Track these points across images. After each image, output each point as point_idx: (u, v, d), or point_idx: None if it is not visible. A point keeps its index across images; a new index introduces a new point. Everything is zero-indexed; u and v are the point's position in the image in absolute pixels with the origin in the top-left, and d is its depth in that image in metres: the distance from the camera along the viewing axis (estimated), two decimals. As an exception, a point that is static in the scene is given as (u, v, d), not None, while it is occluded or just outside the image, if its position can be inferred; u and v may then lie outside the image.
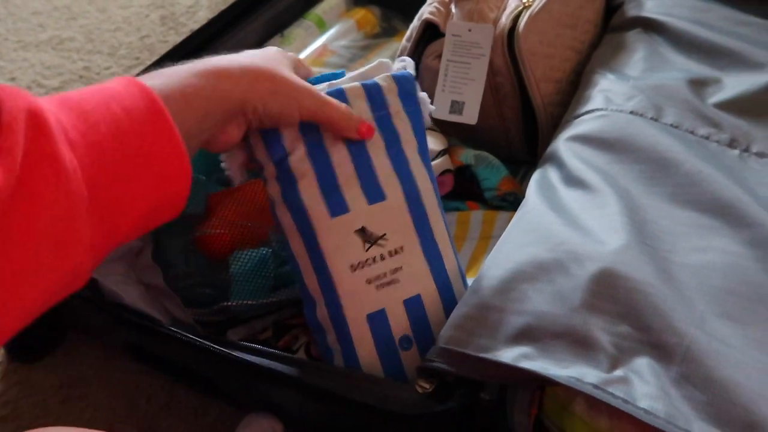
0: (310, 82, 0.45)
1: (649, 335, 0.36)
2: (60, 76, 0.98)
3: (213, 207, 0.49)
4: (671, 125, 0.51)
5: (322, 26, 0.85)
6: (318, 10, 0.86)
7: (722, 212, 0.42)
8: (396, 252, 0.43)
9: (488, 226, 0.58)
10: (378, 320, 0.42)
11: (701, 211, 0.43)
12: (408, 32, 0.66)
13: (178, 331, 0.45)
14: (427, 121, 0.48)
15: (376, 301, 0.42)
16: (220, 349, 0.43)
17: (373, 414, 0.41)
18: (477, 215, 0.59)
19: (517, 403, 0.38)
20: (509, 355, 0.38)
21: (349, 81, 0.45)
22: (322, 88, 0.44)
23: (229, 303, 0.46)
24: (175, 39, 1.02)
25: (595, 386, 0.34)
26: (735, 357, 0.35)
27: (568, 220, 0.44)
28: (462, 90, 0.62)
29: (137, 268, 0.49)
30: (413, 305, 0.43)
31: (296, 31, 0.83)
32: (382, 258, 0.42)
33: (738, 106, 0.52)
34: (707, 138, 0.50)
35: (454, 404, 0.39)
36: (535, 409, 0.38)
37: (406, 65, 0.48)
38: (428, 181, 0.46)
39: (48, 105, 0.30)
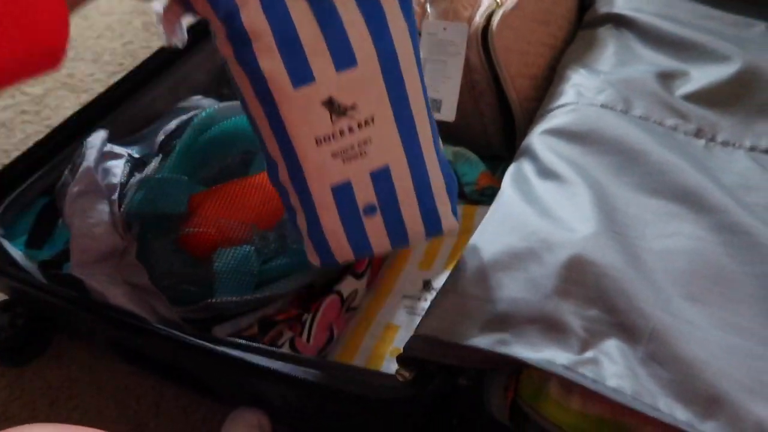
0: None
1: (618, 317, 0.37)
2: (43, 83, 0.98)
3: (195, 207, 0.50)
4: (640, 117, 0.52)
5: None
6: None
7: (688, 199, 0.44)
8: (366, 123, 0.39)
9: (468, 220, 0.59)
10: (342, 191, 0.41)
11: (668, 198, 0.45)
12: (386, 32, 0.67)
13: (165, 328, 0.46)
14: None
15: (341, 173, 0.40)
16: (206, 345, 0.44)
17: (355, 402, 0.42)
18: (457, 209, 0.60)
19: (494, 387, 0.40)
20: (486, 341, 0.39)
21: None
22: None
23: (214, 300, 0.47)
24: (159, 44, 1.03)
25: (566, 367, 0.35)
26: (699, 336, 0.36)
27: (541, 211, 0.46)
28: (439, 88, 0.63)
29: (122, 268, 0.50)
30: (381, 176, 0.41)
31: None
32: (351, 130, 0.39)
33: (705, 97, 0.53)
34: (675, 129, 0.51)
35: (433, 390, 0.40)
36: (512, 393, 0.40)
37: None
38: (408, 39, 0.40)
39: None
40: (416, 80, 0.41)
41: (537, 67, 0.65)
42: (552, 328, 0.38)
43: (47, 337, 0.62)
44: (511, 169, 0.53)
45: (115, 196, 0.50)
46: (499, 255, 0.43)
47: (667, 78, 0.56)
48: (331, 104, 0.38)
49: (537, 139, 0.54)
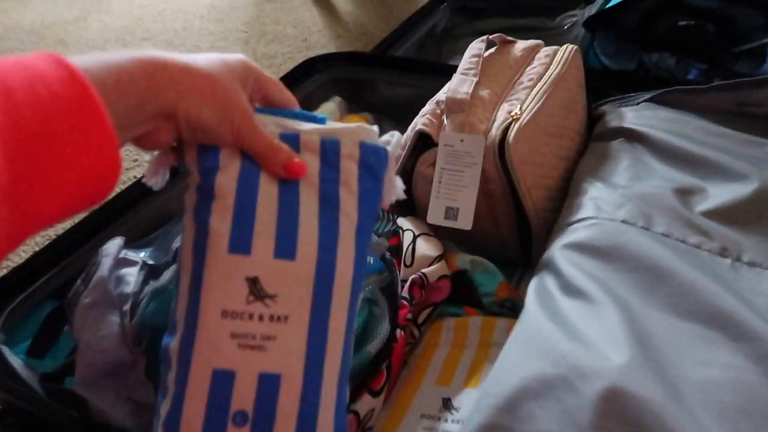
0: (287, 115, 0.42)
1: (663, 458, 0.35)
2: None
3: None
4: (662, 234, 0.52)
5: (316, 132, 0.88)
6: (313, 117, 0.89)
7: (722, 324, 0.43)
8: (278, 319, 0.38)
9: (487, 333, 0.58)
10: (222, 381, 0.37)
11: (701, 322, 0.44)
12: (402, 140, 0.68)
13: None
14: (388, 202, 0.44)
15: (229, 359, 0.37)
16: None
17: None
18: (475, 321, 0.59)
19: None
20: (519, 479, 0.36)
21: (318, 132, 0.42)
22: (289, 126, 0.41)
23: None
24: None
25: None
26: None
27: (568, 332, 0.44)
28: (456, 196, 0.63)
29: (128, 385, 0.47)
30: (268, 383, 0.38)
31: (291, 136, 0.86)
32: (261, 319, 0.37)
33: (725, 215, 0.53)
34: (698, 247, 0.51)
35: None
36: None
37: (392, 140, 0.45)
38: (350, 264, 0.40)
39: None
40: (343, 307, 0.41)
41: (551, 178, 0.65)
42: (592, 468, 0.36)
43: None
44: (533, 284, 0.52)
45: (127, 307, 0.48)
46: (529, 381, 0.41)
47: (684, 194, 0.56)
48: (254, 283, 0.38)
49: (559, 253, 0.53)
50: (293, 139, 0.41)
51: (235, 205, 0.38)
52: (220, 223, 0.38)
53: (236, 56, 0.41)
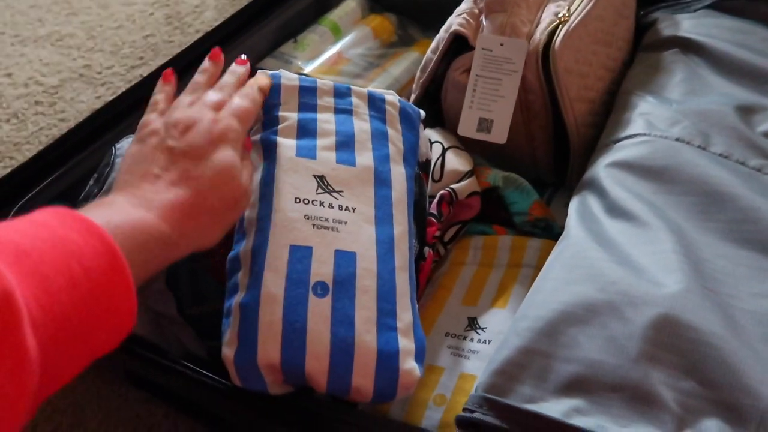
0: None
1: (719, 394, 0.33)
2: (59, 73, 0.93)
3: (229, 232, 0.45)
4: (720, 155, 0.48)
5: (337, 33, 0.81)
6: (333, 16, 0.82)
7: (785, 254, 0.39)
8: (346, 209, 0.42)
9: (517, 253, 0.55)
10: (299, 255, 0.39)
11: (761, 251, 0.40)
12: (434, 44, 0.62)
13: (190, 366, 0.41)
14: (424, 156, 0.50)
15: (306, 237, 0.40)
16: (230, 387, 0.39)
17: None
18: (505, 241, 0.56)
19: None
20: (559, 408, 0.34)
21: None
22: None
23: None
24: (180, 39, 0.98)
25: (662, 451, 0.31)
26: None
27: (616, 256, 0.41)
28: (491, 107, 0.58)
29: (148, 295, 0.45)
30: (345, 259, 0.40)
31: (310, 36, 0.80)
32: (331, 206, 0.41)
33: (790, 136, 0.49)
34: (759, 170, 0.47)
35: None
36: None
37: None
38: (403, 181, 0.46)
39: (10, 274, 0.27)
40: (403, 213, 0.45)
41: (595, 90, 0.60)
42: (640, 400, 0.33)
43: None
44: (574, 204, 0.48)
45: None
46: (572, 306, 0.38)
47: (746, 112, 0.51)
48: (321, 179, 0.43)
49: (604, 171, 0.49)
50: (345, 89, 0.48)
51: (298, 126, 0.44)
52: (286, 137, 0.44)
53: (226, 157, 0.39)
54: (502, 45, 0.57)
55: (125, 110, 0.64)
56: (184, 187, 0.36)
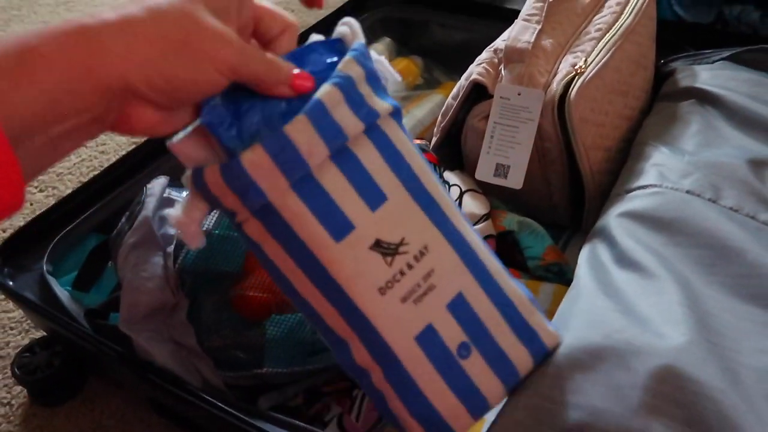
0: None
1: (719, 449, 0.33)
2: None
3: (251, 268, 0.48)
4: (731, 208, 0.49)
5: (364, 75, 0.85)
6: (361, 59, 0.86)
7: (791, 311, 0.40)
8: (422, 254, 0.36)
9: (530, 297, 0.56)
10: (428, 338, 0.36)
11: (766, 307, 0.41)
12: (454, 90, 0.65)
13: (208, 397, 0.43)
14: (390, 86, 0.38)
15: (418, 318, 0.36)
16: (249, 421, 0.41)
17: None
18: (519, 284, 0.57)
19: None
20: (561, 455, 0.35)
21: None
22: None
23: (263, 371, 0.44)
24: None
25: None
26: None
27: (622, 306, 0.42)
28: (508, 153, 0.60)
29: (170, 326, 0.47)
30: (458, 306, 0.37)
31: (338, 78, 0.83)
32: (410, 267, 0.36)
33: (802, 191, 0.49)
34: (770, 225, 0.47)
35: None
36: None
37: (347, 29, 0.38)
38: (427, 170, 0.38)
39: None
40: (446, 198, 0.39)
41: (612, 139, 0.62)
42: (640, 451, 0.34)
43: (82, 379, 0.60)
44: (585, 253, 0.50)
45: (171, 249, 0.48)
46: (578, 352, 0.39)
47: (759, 166, 0.52)
48: (380, 246, 0.35)
49: (614, 221, 0.50)
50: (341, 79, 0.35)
51: (307, 204, 0.34)
52: (307, 226, 0.34)
53: None
54: (519, 94, 0.59)
55: (157, 150, 0.68)
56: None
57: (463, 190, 0.61)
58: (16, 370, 0.58)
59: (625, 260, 0.46)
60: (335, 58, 0.36)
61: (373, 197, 0.35)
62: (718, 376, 0.36)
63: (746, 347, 0.39)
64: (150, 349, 0.46)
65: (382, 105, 0.36)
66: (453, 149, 0.67)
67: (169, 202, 0.52)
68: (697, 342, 0.38)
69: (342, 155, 0.35)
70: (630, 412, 0.36)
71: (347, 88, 0.35)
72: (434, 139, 0.67)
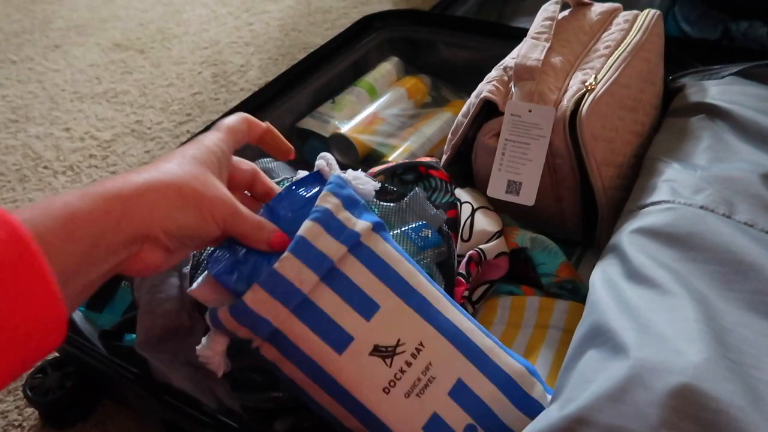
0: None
1: (740, 467, 0.33)
2: (112, 128, 1.00)
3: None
4: (745, 223, 0.48)
5: (373, 94, 0.86)
6: (369, 78, 0.87)
7: (810, 327, 0.40)
8: (418, 350, 0.41)
9: (545, 314, 0.56)
10: (435, 426, 0.40)
11: (785, 323, 0.41)
12: (464, 108, 0.65)
13: (225, 419, 0.43)
14: (369, 194, 0.45)
15: (423, 410, 0.40)
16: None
17: None
18: (533, 301, 0.57)
19: None
20: (581, 475, 0.35)
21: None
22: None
23: (280, 395, 0.44)
24: (225, 96, 1.04)
25: None
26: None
27: (637, 324, 0.42)
28: (520, 170, 0.60)
29: (186, 348, 0.47)
30: (459, 392, 0.41)
31: (347, 98, 0.84)
32: (409, 364, 0.40)
33: (816, 206, 0.49)
34: (785, 240, 0.47)
35: None
36: None
37: (323, 162, 0.46)
38: (409, 266, 0.43)
39: None
40: (433, 291, 0.43)
41: (623, 155, 0.62)
42: (661, 470, 0.34)
43: (94, 401, 0.60)
44: (598, 273, 0.49)
45: (187, 269, 0.48)
46: (602, 390, 0.39)
47: (772, 180, 0.52)
48: (378, 350, 0.40)
49: (627, 238, 0.50)
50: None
51: (308, 325, 0.40)
52: (313, 346, 0.40)
53: (207, 140, 0.40)
54: (530, 111, 0.59)
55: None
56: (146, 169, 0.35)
57: (474, 207, 0.61)
58: (27, 391, 0.58)
59: (638, 276, 0.46)
60: (317, 188, 0.43)
61: (366, 308, 0.41)
62: (738, 394, 0.36)
63: (765, 363, 0.38)
64: (167, 371, 0.46)
65: (362, 225, 0.42)
66: (463, 167, 0.67)
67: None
68: (716, 359, 0.38)
69: (332, 276, 0.40)
70: (649, 429, 0.35)
71: (325, 219, 0.41)
72: (444, 157, 0.68)
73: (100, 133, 1.00)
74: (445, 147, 0.68)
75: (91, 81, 1.11)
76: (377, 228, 0.43)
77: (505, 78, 0.63)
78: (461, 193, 0.64)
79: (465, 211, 0.61)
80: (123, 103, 1.06)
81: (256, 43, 1.17)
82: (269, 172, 0.67)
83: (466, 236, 0.59)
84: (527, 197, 0.60)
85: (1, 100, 1.08)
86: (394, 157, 0.77)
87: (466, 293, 0.55)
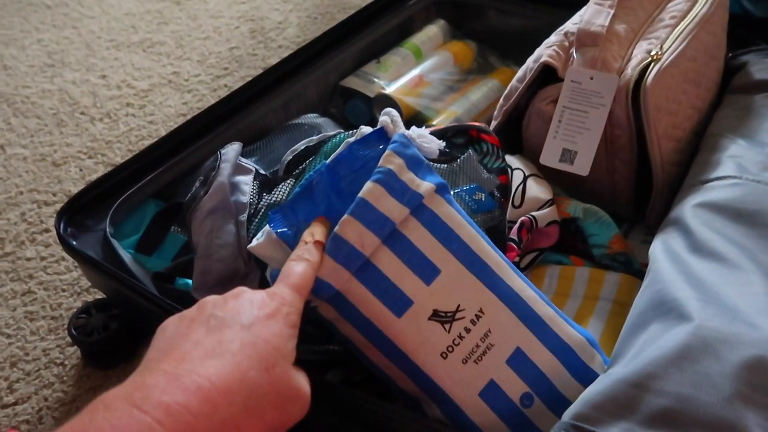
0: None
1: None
2: (149, 78, 0.99)
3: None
4: (815, 203, 0.47)
5: (419, 56, 0.84)
6: (416, 40, 0.85)
7: None
8: (478, 317, 0.40)
9: (595, 285, 0.55)
10: (491, 393, 0.40)
11: None
12: (520, 73, 0.64)
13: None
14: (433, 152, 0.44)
15: (480, 376, 0.40)
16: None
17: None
18: (582, 272, 0.56)
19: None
20: (648, 440, 0.35)
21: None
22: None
23: (334, 347, 0.44)
24: (264, 53, 1.03)
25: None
26: None
27: (706, 295, 0.41)
28: (576, 139, 0.59)
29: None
30: (518, 360, 0.41)
31: (393, 58, 0.82)
32: (468, 330, 0.40)
33: None
34: None
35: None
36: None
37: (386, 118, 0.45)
38: (472, 232, 0.42)
39: None
40: (495, 257, 0.43)
41: (683, 129, 0.60)
42: (733, 440, 0.33)
43: (137, 343, 0.60)
44: (658, 245, 0.48)
45: (244, 217, 0.48)
46: (668, 351, 0.38)
47: (843, 161, 0.51)
48: (436, 315, 0.40)
49: (691, 212, 0.49)
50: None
51: (368, 288, 0.39)
52: (372, 308, 0.39)
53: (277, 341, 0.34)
54: (592, 78, 0.58)
55: (212, 122, 0.68)
56: (218, 358, 0.31)
57: (526, 174, 0.60)
58: (73, 330, 0.59)
59: (704, 250, 0.45)
60: (381, 147, 0.42)
61: (427, 272, 0.40)
62: (815, 370, 0.35)
63: (840, 343, 0.38)
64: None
65: (426, 186, 0.41)
66: (512, 133, 0.66)
67: (239, 169, 0.51)
68: (791, 334, 0.37)
69: (393, 239, 0.40)
70: (721, 400, 0.35)
71: (388, 180, 0.40)
72: (494, 123, 0.66)
73: (137, 83, 0.99)
74: (496, 112, 0.67)
75: (127, 30, 1.10)
76: (441, 190, 0.42)
77: (566, 44, 0.61)
78: (511, 160, 0.62)
79: (516, 177, 0.60)
80: (159, 53, 1.04)
81: (295, 0, 1.15)
82: (316, 128, 0.66)
83: (517, 202, 0.58)
84: (582, 167, 0.59)
85: (37, 43, 1.06)
86: (439, 122, 0.76)
87: (516, 259, 0.54)
